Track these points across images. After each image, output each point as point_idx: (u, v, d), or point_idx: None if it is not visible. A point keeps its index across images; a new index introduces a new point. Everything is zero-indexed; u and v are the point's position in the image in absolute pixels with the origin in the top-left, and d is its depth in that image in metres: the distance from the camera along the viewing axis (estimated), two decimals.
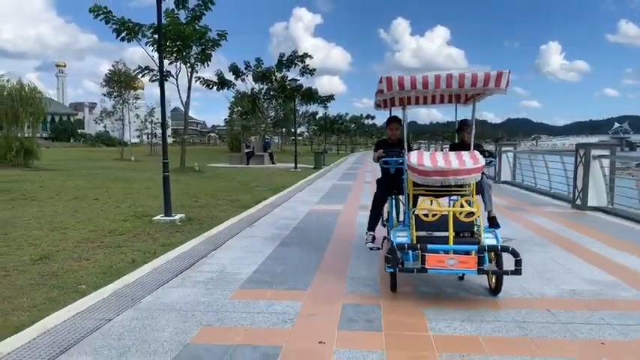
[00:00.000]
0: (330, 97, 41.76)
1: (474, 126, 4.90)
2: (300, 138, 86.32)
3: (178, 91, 21.68)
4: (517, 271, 3.82)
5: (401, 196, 5.24)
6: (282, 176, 19.68)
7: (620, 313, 3.80)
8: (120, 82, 31.34)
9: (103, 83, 31.77)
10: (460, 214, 4.14)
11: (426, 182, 4.13)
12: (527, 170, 14.33)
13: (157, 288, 4.45)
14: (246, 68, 32.97)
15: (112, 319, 3.66)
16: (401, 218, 5.25)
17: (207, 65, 20.31)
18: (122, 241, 6.63)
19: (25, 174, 18.49)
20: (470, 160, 4.18)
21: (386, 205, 5.48)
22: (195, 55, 19.84)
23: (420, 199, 4.50)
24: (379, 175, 5.62)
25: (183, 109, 22.37)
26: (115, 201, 10.86)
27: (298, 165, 25.29)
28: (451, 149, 5.11)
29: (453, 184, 4.12)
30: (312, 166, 26.38)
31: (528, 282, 4.57)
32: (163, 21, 13.25)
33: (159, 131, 48.84)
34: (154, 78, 19.54)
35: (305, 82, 40.39)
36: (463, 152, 4.39)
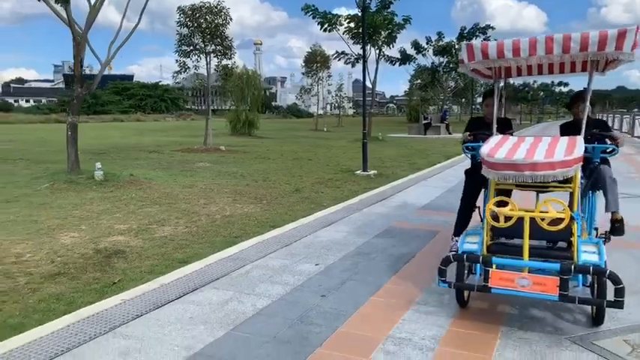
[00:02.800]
0: None
1: (587, 102, 3.76)
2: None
3: (368, 71, 24.99)
4: (617, 303, 2.88)
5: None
6: (455, 145, 21.61)
7: None
8: (316, 62, 36.54)
9: (303, 64, 37.42)
10: (542, 219, 3.18)
11: (496, 177, 3.36)
12: None
13: (366, 207, 7.51)
14: (427, 43, 34.95)
15: (347, 217, 6.80)
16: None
17: (393, 47, 23.18)
18: (338, 184, 9.99)
19: (250, 141, 24.00)
20: (564, 149, 3.28)
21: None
22: (383, 39, 22.84)
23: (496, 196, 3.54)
24: None
25: (365, 83, 25.66)
26: (324, 161, 14.60)
27: None
28: (561, 129, 4.47)
29: (530, 181, 3.23)
30: None
31: None
32: (356, 10, 16.19)
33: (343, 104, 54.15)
34: (348, 61, 23.19)
35: None
36: (563, 138, 3.57)
